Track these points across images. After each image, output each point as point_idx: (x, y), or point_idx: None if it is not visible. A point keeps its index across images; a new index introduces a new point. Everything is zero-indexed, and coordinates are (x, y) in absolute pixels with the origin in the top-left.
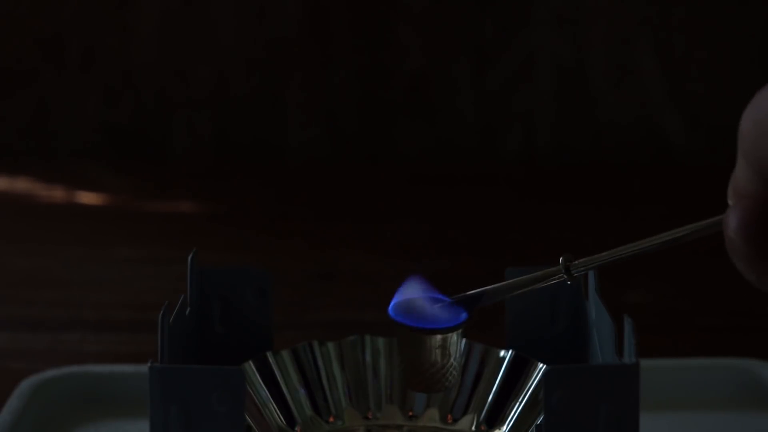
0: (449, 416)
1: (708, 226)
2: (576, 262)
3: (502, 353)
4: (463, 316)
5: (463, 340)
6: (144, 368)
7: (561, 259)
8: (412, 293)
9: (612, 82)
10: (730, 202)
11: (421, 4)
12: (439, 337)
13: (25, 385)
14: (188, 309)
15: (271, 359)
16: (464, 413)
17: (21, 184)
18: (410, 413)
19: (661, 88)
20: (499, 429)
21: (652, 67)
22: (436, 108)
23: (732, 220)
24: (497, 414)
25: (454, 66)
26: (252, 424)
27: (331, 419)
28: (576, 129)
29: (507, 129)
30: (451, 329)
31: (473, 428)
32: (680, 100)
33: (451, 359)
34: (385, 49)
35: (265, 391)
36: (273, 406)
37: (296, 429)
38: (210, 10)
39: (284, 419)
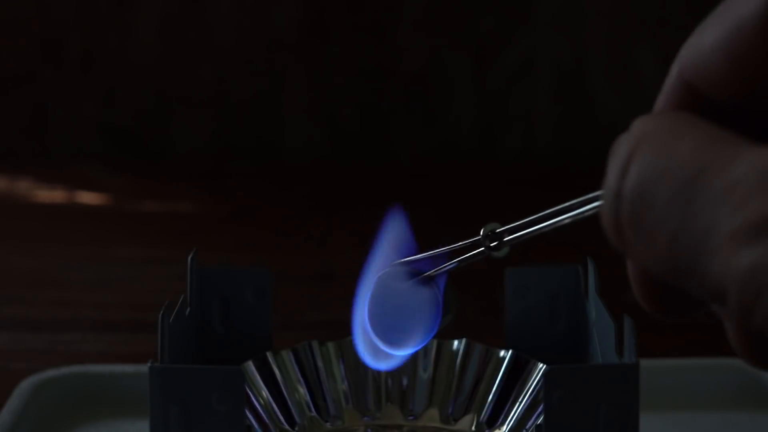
0: (449, 416)
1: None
2: (499, 230)
3: (502, 353)
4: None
5: (463, 340)
6: (144, 368)
7: (482, 229)
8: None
9: (612, 82)
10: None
11: (420, 4)
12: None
13: (25, 385)
14: (188, 309)
15: (271, 359)
16: (464, 413)
17: (21, 184)
18: (410, 413)
19: (661, 88)
20: (499, 429)
21: (652, 67)
22: (435, 108)
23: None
24: (497, 414)
25: (454, 66)
26: (252, 424)
27: (331, 419)
28: (576, 129)
29: (507, 129)
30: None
31: (473, 428)
32: None
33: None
34: (385, 49)
35: (265, 391)
36: (273, 406)
37: (296, 429)
38: (210, 10)
39: (284, 419)
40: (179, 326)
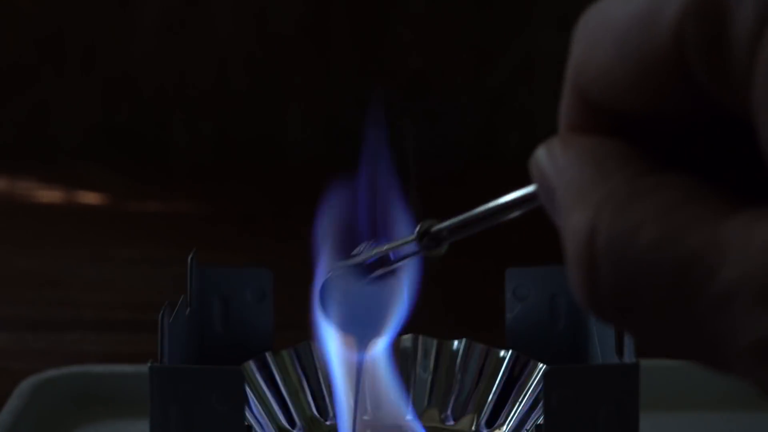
0: (449, 416)
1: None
2: (435, 228)
3: (502, 353)
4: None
5: (463, 340)
6: (144, 368)
7: (417, 227)
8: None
9: None
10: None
11: (420, 4)
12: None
13: (25, 385)
14: (188, 309)
15: (271, 359)
16: (464, 413)
17: (21, 184)
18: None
19: None
20: (499, 429)
21: None
22: (436, 108)
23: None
24: (497, 414)
25: (454, 66)
26: (252, 424)
27: (331, 419)
28: None
29: (507, 129)
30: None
31: (473, 428)
32: None
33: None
34: (385, 49)
35: (265, 391)
36: (273, 406)
37: (296, 429)
38: (210, 9)
39: (284, 419)
40: (179, 326)
